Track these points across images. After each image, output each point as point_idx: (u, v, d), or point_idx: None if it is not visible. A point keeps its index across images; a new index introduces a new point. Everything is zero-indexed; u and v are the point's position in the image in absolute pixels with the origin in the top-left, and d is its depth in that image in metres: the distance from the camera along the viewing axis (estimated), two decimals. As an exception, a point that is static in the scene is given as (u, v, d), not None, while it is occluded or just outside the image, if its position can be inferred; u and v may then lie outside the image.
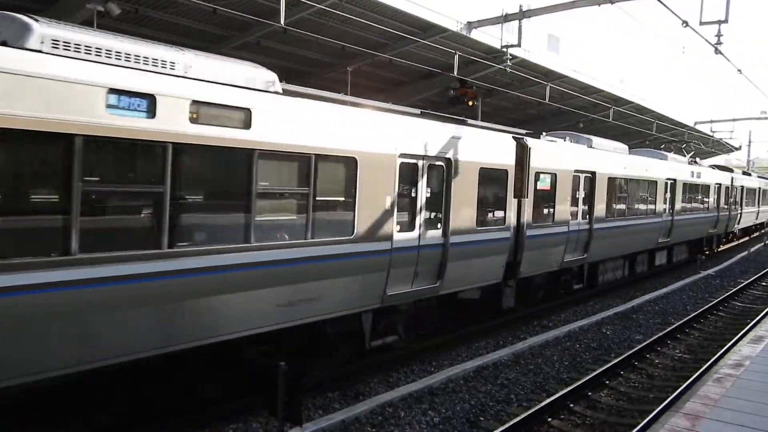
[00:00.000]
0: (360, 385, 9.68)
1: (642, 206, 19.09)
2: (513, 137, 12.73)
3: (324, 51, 18.59)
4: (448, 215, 10.65)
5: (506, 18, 17.54)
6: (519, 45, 17.71)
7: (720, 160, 59.57)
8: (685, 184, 22.95)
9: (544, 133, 14.79)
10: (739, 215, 32.48)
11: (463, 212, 10.99)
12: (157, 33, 16.31)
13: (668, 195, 21.39)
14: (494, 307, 13.39)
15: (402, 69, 20.45)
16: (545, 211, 13.88)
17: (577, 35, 26.17)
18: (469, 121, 12.18)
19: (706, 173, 26.04)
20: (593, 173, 15.79)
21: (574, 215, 15.06)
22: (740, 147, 53.57)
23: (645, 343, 12.41)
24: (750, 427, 6.49)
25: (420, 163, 10.07)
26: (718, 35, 14.85)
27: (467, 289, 11.76)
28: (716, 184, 27.26)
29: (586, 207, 15.65)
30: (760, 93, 27.25)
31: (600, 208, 16.12)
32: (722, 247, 32.45)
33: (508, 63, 17.99)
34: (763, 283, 21.69)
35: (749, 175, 38.97)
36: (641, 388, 10.45)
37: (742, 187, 33.14)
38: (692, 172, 23.95)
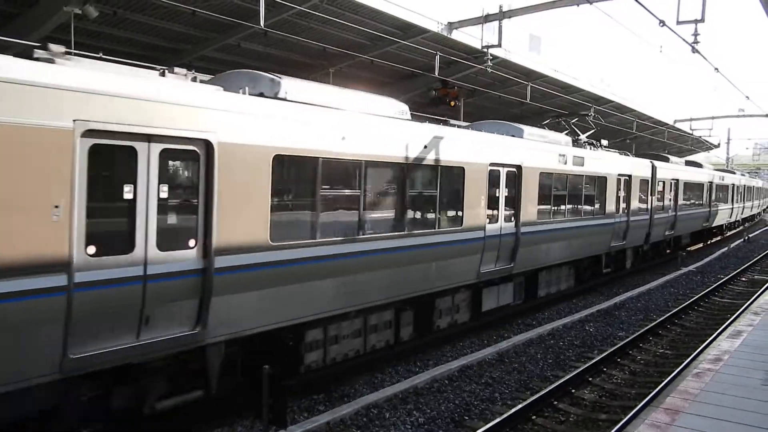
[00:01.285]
0: (345, 387, 9.70)
1: (430, 214, 11.09)
2: None
3: (305, 52, 18.56)
4: None
5: (487, 18, 17.66)
6: (499, 45, 17.83)
7: (700, 157, 60.39)
8: (548, 175, 14.74)
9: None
10: (671, 220, 24.61)
11: None
12: (136, 35, 16.21)
13: (505, 192, 13.16)
14: None
15: (384, 70, 20.47)
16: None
17: (558, 35, 26.35)
18: None
19: (598, 159, 17.53)
20: (265, 150, 7.84)
21: (172, 240, 7.00)
22: (719, 144, 54.35)
23: (627, 340, 12.55)
24: (728, 421, 6.59)
25: None
26: (695, 34, 15.05)
27: None
28: (620, 176, 19.09)
29: (275, 216, 8.02)
30: (738, 91, 27.13)
31: (296, 218, 8.60)
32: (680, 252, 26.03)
33: (489, 63, 18.09)
34: (743, 279, 22.00)
35: (698, 166, 30.91)
36: (623, 385, 10.56)
37: (676, 181, 24.85)
38: (564, 157, 15.50)
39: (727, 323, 13.46)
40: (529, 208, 13.99)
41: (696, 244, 31.54)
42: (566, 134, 17.44)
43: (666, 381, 9.58)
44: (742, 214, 41.65)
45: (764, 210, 60.39)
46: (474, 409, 9.16)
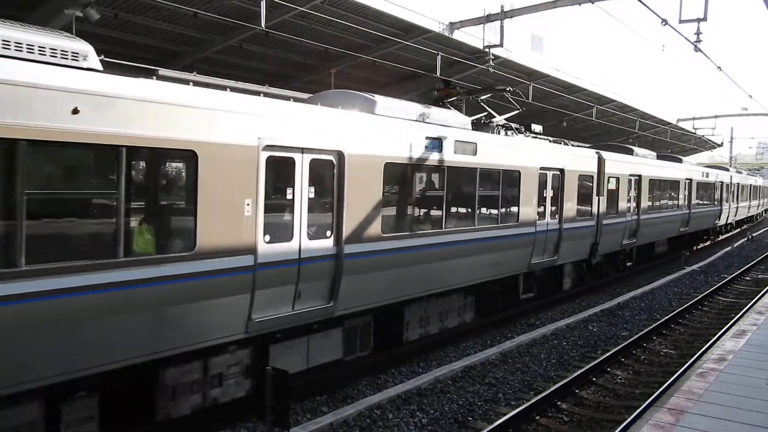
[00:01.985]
0: (348, 388, 9.68)
1: (106, 232, 6.32)
2: None
3: (307, 53, 18.58)
4: None
5: (488, 18, 17.67)
6: (501, 45, 17.83)
7: (704, 156, 60.22)
8: (406, 168, 10.27)
9: None
10: (631, 225, 19.85)
11: None
12: (138, 38, 16.23)
13: (310, 194, 8.58)
14: None
15: (386, 70, 20.48)
16: None
17: (560, 35, 26.30)
18: None
19: (503, 147, 12.92)
20: None
21: None
22: (722, 143, 54.23)
23: (631, 340, 12.51)
24: (732, 421, 6.57)
25: None
26: (698, 33, 15.02)
27: None
28: (545, 169, 14.45)
29: None
30: (741, 90, 27.09)
31: None
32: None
33: (491, 63, 18.09)
34: (747, 278, 21.93)
35: (677, 160, 26.31)
36: (627, 385, 10.53)
37: (638, 177, 20.15)
38: (437, 141, 10.79)
39: (731, 323, 13.39)
40: (364, 216, 9.36)
41: (678, 251, 26.43)
42: (485, 116, 14.05)
43: (670, 381, 9.52)
44: (735, 215, 37.03)
45: (766, 211, 59.14)
46: (477, 409, 9.14)
